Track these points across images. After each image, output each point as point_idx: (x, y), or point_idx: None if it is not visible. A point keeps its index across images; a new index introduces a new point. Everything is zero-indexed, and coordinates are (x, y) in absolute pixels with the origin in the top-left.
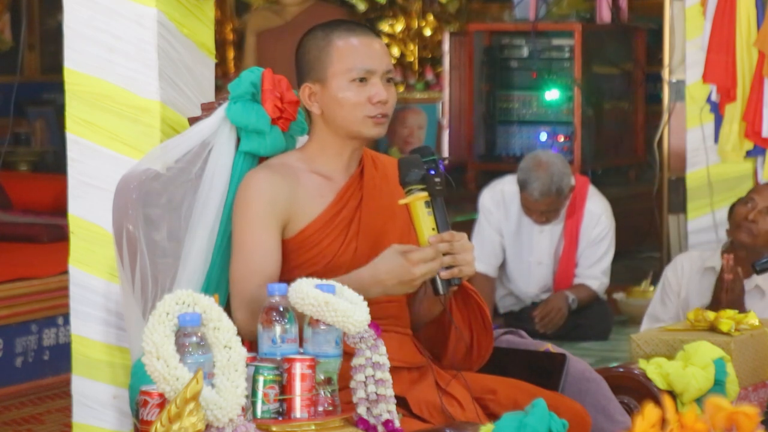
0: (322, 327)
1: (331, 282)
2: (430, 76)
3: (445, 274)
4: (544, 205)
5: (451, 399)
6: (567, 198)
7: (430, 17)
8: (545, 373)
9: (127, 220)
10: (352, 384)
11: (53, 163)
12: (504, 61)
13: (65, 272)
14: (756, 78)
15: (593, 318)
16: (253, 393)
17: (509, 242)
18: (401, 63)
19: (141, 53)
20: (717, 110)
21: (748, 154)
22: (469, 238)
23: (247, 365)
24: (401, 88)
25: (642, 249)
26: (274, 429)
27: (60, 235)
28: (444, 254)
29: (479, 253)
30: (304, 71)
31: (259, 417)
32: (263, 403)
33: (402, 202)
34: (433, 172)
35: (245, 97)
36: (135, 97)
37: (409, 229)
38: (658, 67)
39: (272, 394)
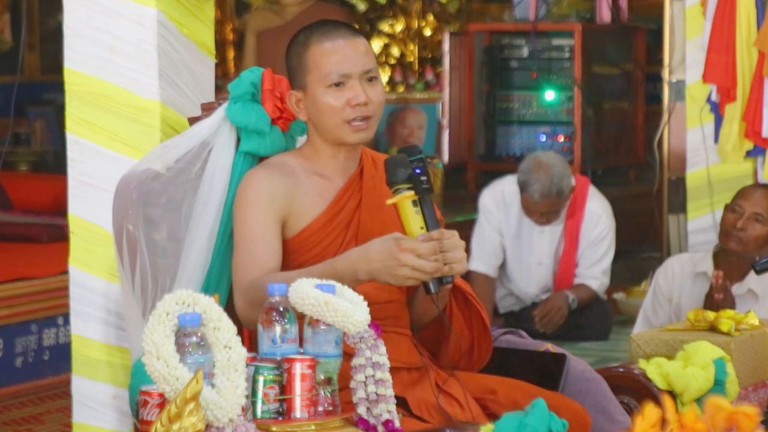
0: (322, 327)
1: (331, 282)
2: (430, 76)
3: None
4: (545, 206)
5: (451, 399)
6: (567, 199)
7: (430, 17)
8: (545, 373)
9: (127, 220)
10: (352, 384)
11: (53, 163)
12: (504, 61)
13: (65, 272)
14: (756, 78)
15: (593, 318)
16: (253, 393)
17: (509, 242)
18: (401, 63)
19: (141, 53)
20: (717, 110)
21: (748, 154)
22: (469, 237)
23: (247, 365)
24: (401, 88)
25: (642, 249)
26: (274, 429)
27: (60, 235)
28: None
29: (479, 253)
30: (290, 78)
31: (259, 417)
32: (263, 403)
33: (389, 202)
34: (419, 171)
35: (245, 97)
36: (135, 97)
37: None
38: (658, 67)
39: (272, 394)
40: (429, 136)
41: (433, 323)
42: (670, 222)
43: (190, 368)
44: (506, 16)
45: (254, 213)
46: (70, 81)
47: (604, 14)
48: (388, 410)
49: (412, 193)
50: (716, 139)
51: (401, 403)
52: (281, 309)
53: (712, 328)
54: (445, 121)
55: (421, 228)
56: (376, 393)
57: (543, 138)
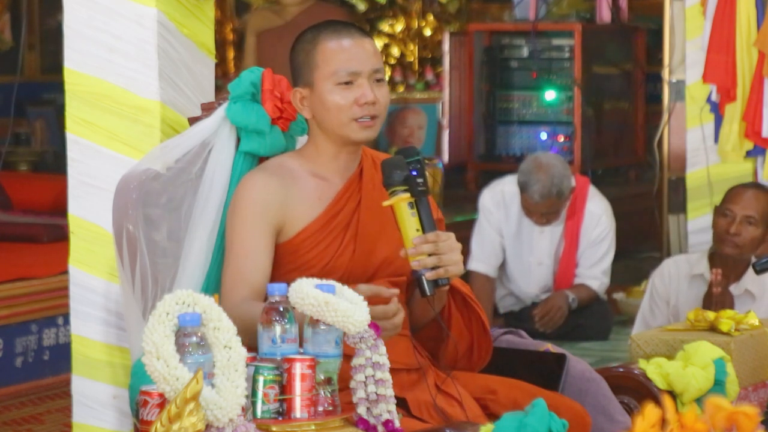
0: (322, 327)
1: (331, 282)
2: (430, 76)
3: (430, 275)
4: (545, 207)
5: (451, 399)
6: (567, 200)
7: (430, 17)
8: (545, 373)
9: (127, 220)
10: (352, 384)
11: (53, 163)
12: (504, 61)
13: (65, 272)
14: (756, 78)
15: (593, 318)
16: (253, 393)
17: (509, 242)
18: (401, 63)
19: (141, 53)
20: (717, 110)
21: (748, 154)
22: (469, 237)
23: (247, 365)
24: (401, 88)
25: (642, 249)
26: (274, 429)
27: (60, 235)
28: (429, 255)
29: (479, 254)
30: (295, 75)
31: (259, 417)
32: (263, 403)
33: (385, 204)
34: (415, 173)
35: (245, 97)
36: (135, 97)
37: None
38: (658, 67)
39: (272, 394)
40: (429, 136)
41: (432, 324)
42: (670, 222)
43: (190, 368)
44: (506, 16)
45: (246, 222)
46: (70, 81)
47: (604, 14)
48: (388, 410)
49: (408, 195)
50: (716, 139)
51: (401, 403)
52: (281, 309)
53: (712, 328)
54: (445, 121)
55: (417, 230)
56: (376, 393)
57: (543, 138)
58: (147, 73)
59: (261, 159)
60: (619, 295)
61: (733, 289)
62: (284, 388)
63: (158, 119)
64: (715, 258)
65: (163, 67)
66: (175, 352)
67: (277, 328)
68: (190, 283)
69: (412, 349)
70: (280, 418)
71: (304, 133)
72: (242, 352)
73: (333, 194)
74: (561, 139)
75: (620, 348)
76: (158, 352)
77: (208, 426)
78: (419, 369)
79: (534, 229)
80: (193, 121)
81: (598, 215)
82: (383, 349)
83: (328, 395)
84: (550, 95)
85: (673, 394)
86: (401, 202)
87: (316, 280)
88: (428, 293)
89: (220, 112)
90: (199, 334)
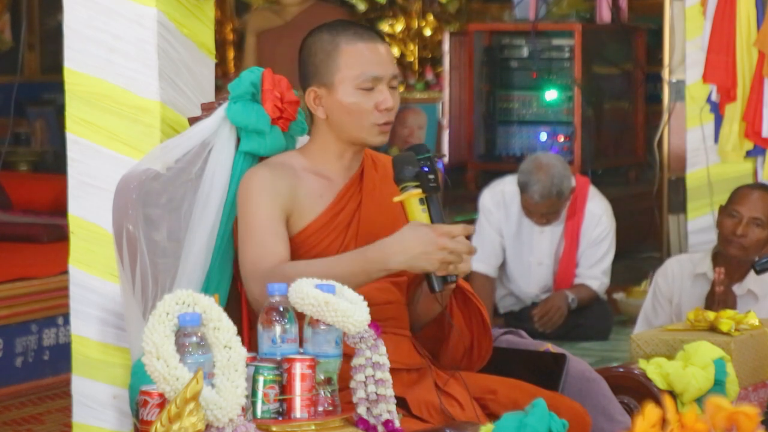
0: (322, 327)
1: (330, 282)
2: (430, 76)
3: (440, 271)
4: (545, 207)
5: (451, 399)
6: (567, 200)
7: (430, 17)
8: (545, 373)
9: (127, 220)
10: (352, 384)
11: (53, 163)
12: (504, 61)
13: (65, 272)
14: (756, 78)
15: (593, 318)
16: (253, 393)
17: (509, 242)
18: (401, 63)
19: (141, 53)
20: (717, 110)
21: (748, 154)
22: (470, 238)
23: (247, 365)
24: (401, 88)
25: (642, 249)
26: (274, 429)
27: (60, 235)
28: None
29: (479, 253)
30: (310, 74)
31: (259, 417)
32: (263, 403)
33: (396, 199)
34: (427, 170)
35: (245, 97)
36: (135, 97)
37: None
38: (658, 67)
39: (272, 394)
40: (429, 136)
41: (433, 323)
42: (670, 222)
43: (190, 368)
44: (506, 16)
45: (260, 206)
46: (70, 81)
47: (604, 14)
48: (388, 410)
49: (419, 191)
50: (716, 139)
51: (401, 403)
52: (281, 309)
53: (712, 328)
54: (445, 121)
55: None
56: (376, 393)
57: (543, 138)
58: (147, 73)
59: (261, 159)
60: (619, 295)
61: (736, 289)
62: (284, 388)
63: (158, 119)
64: (718, 258)
65: (163, 67)
66: (175, 352)
67: (277, 328)
68: (190, 283)
69: (412, 348)
70: (280, 418)
71: (304, 133)
72: (242, 352)
73: (334, 193)
74: (561, 139)
75: (620, 348)
76: (158, 352)
77: (208, 426)
78: (420, 369)
79: (534, 229)
80: (193, 121)
81: (598, 215)
82: (383, 349)
83: (328, 395)
84: (550, 95)
85: (673, 394)
86: (412, 197)
87: (316, 280)
88: (437, 289)
89: (220, 112)
90: (199, 334)
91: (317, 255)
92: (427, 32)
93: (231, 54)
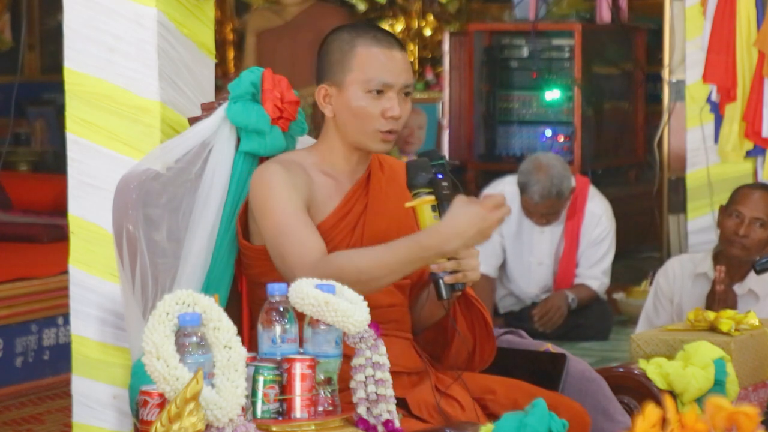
0: (322, 327)
1: (330, 282)
2: (430, 76)
3: (449, 278)
4: (545, 207)
5: (451, 400)
6: (567, 200)
7: (430, 17)
8: (545, 373)
9: (127, 220)
10: (352, 384)
11: (53, 163)
12: (504, 61)
13: (65, 272)
14: (756, 78)
15: (593, 318)
16: (253, 393)
17: (510, 243)
18: None
19: (141, 53)
20: (717, 110)
21: (748, 154)
22: None
23: (247, 365)
24: None
25: (642, 249)
26: (274, 429)
27: (60, 235)
28: (448, 259)
29: (479, 254)
30: (324, 71)
31: (259, 417)
32: (263, 403)
33: (408, 205)
34: (440, 176)
35: (245, 97)
36: (135, 97)
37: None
38: (658, 67)
39: (272, 394)
40: (429, 136)
41: (435, 326)
42: (670, 222)
43: (190, 368)
44: (506, 16)
45: (283, 199)
46: (70, 81)
47: (604, 14)
48: (388, 410)
49: (432, 198)
50: (716, 139)
51: (401, 403)
52: (281, 309)
53: (712, 328)
54: (445, 121)
55: None
56: (376, 393)
57: (543, 138)
58: (147, 73)
59: (261, 159)
60: (619, 295)
61: (737, 288)
62: (284, 388)
63: (158, 119)
64: (719, 257)
65: (163, 67)
66: (175, 352)
67: (277, 328)
68: (190, 283)
69: (413, 352)
70: (280, 418)
71: (304, 133)
72: (242, 352)
73: (342, 195)
74: (561, 139)
75: (620, 348)
76: (158, 352)
77: (208, 426)
78: (420, 372)
79: (534, 230)
80: (193, 121)
81: (598, 215)
82: (383, 349)
83: (328, 395)
84: (550, 95)
85: (673, 394)
86: (424, 204)
87: (316, 280)
88: (444, 297)
89: (220, 112)
90: (199, 334)
91: None
92: (427, 32)
93: (231, 54)
